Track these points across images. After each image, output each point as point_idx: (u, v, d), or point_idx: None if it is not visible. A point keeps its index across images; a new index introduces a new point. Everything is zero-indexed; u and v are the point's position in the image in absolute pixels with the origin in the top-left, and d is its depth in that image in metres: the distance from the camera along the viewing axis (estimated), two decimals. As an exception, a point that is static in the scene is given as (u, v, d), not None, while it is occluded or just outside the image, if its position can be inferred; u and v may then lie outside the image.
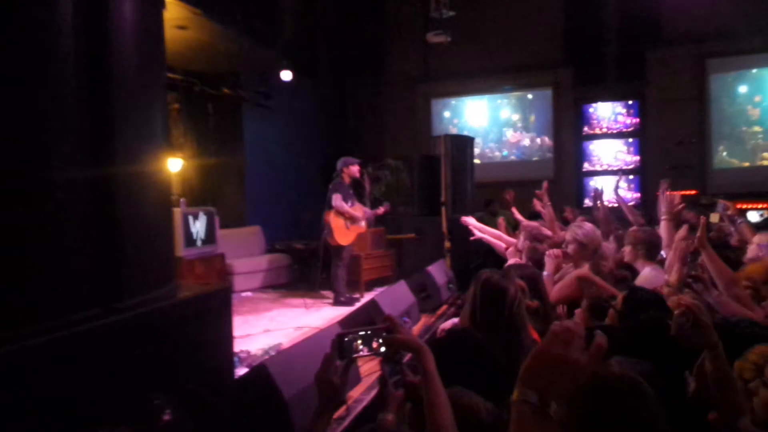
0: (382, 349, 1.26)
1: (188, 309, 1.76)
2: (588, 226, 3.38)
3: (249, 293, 6.90)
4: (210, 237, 7.01)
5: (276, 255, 7.63)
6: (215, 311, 1.88)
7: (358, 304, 5.93)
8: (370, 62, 10.48)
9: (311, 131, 9.48)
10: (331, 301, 6.08)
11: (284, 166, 8.64)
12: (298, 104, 9.24)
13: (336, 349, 1.26)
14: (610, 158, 10.12)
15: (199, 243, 6.73)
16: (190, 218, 6.90)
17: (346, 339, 1.25)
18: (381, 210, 6.25)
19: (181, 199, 7.57)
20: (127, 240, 1.71)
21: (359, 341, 1.26)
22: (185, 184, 8.37)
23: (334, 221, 5.89)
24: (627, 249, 3.40)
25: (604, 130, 10.10)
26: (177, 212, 6.79)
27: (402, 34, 10.35)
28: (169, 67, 7.34)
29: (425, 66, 10.55)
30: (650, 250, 3.29)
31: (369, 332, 1.27)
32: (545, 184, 4.51)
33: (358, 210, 6.14)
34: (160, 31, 1.98)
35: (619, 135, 10.06)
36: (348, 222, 6.02)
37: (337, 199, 5.88)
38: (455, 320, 3.86)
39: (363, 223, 6.13)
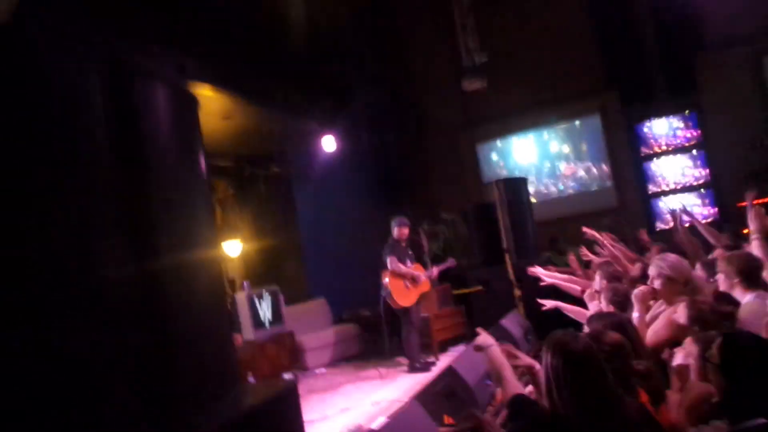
0: None
1: (258, 418, 1.65)
2: (672, 257, 3.07)
3: (323, 369, 6.77)
4: (277, 316, 7.01)
5: (344, 326, 7.52)
6: (285, 412, 1.77)
7: (434, 369, 5.69)
8: (411, 119, 10.56)
9: (361, 196, 9.52)
10: (405, 368, 5.85)
11: (339, 234, 8.66)
12: (346, 171, 9.34)
13: None
14: (676, 176, 9.59)
15: (267, 324, 6.74)
16: (256, 300, 6.95)
17: None
18: (445, 265, 6.08)
19: (245, 282, 7.68)
20: (182, 348, 1.63)
21: None
22: (247, 266, 8.53)
23: (392, 283, 5.76)
24: (721, 276, 3.06)
25: (664, 147, 9.63)
26: (242, 296, 6.86)
27: (438, 84, 10.43)
28: (220, 155, 7.66)
29: (465, 113, 10.53)
30: (749, 275, 2.94)
31: None
32: (587, 231, 4.12)
33: (418, 269, 6.00)
34: (195, 122, 1.97)
35: (682, 150, 9.55)
36: (407, 282, 5.87)
37: (392, 262, 5.76)
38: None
39: (423, 280, 5.96)
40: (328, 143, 7.59)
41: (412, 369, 5.70)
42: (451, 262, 5.94)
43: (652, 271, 3.15)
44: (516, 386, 2.13)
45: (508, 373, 2.19)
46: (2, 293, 1.23)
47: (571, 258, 4.72)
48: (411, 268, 5.90)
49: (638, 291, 3.15)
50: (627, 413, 1.65)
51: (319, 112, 7.50)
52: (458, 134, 10.68)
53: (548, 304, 3.96)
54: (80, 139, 1.44)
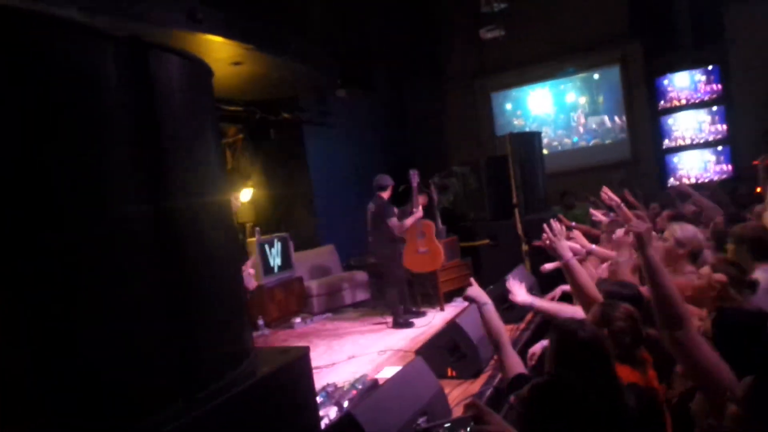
0: None
1: (271, 386, 1.73)
2: (689, 227, 3.05)
3: (330, 314, 6.97)
4: (286, 262, 7.16)
5: (352, 272, 7.67)
6: (298, 381, 1.85)
7: (443, 317, 5.83)
8: (425, 66, 10.33)
9: (373, 144, 9.48)
10: (414, 316, 5.98)
11: (349, 182, 8.68)
12: (357, 119, 9.26)
13: None
14: (693, 130, 9.41)
15: (276, 270, 6.90)
16: (266, 246, 7.08)
17: None
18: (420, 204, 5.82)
19: (256, 228, 7.79)
20: (202, 307, 1.69)
21: None
22: (257, 212, 8.60)
23: (409, 246, 5.87)
24: (730, 248, 3.06)
25: (683, 101, 9.39)
26: (253, 242, 6.99)
27: (455, 33, 10.13)
28: (230, 100, 7.57)
29: (481, 61, 10.26)
30: (760, 248, 2.94)
31: (456, 422, 1.18)
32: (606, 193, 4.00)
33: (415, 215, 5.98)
34: (208, 80, 1.97)
35: (701, 105, 9.33)
36: (419, 244, 5.95)
37: (394, 222, 5.72)
38: (545, 343, 3.67)
39: (431, 246, 6.04)
40: (340, 93, 7.47)
41: (395, 325, 5.78)
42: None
43: (666, 231, 3.15)
44: (512, 356, 2.16)
45: (505, 339, 2.22)
46: (26, 228, 1.29)
47: (576, 234, 4.48)
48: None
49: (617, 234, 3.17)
50: (627, 402, 1.67)
51: (333, 63, 7.35)
52: (473, 82, 10.46)
53: (549, 266, 4.00)
54: (98, 88, 1.46)
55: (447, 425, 1.19)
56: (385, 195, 5.83)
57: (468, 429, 1.18)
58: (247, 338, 1.92)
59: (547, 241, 2.70)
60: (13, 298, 1.28)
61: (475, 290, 2.48)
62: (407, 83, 10.23)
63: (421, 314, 5.96)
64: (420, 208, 5.89)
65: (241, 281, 2.28)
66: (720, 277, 2.31)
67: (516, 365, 2.11)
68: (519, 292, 2.90)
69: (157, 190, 1.58)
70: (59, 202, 1.35)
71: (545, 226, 2.76)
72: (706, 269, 2.43)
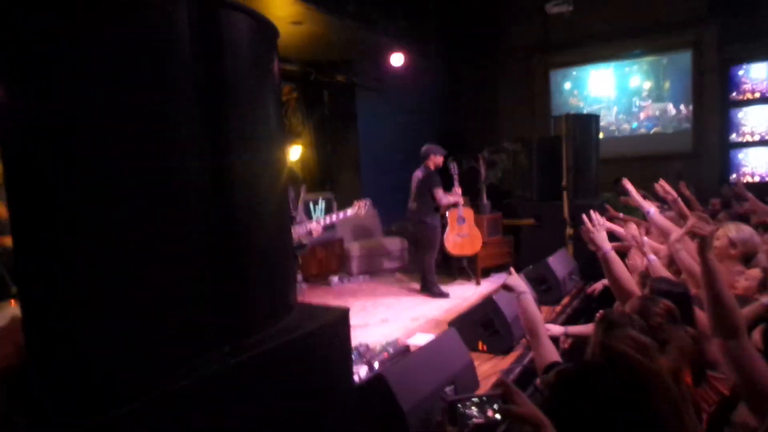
0: (498, 416, 1.20)
1: (312, 342, 1.81)
2: (748, 229, 2.92)
3: (367, 277, 7.10)
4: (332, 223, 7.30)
5: (392, 238, 7.75)
6: (336, 340, 1.93)
7: (479, 292, 5.86)
8: (485, 38, 10.08)
9: (425, 113, 9.40)
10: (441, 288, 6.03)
11: (397, 149, 8.67)
12: (410, 86, 9.16)
13: (447, 418, 1.22)
14: (764, 126, 8.90)
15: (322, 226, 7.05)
16: (311, 204, 7.22)
17: (460, 406, 1.21)
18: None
19: (303, 186, 7.93)
20: (251, 260, 1.77)
21: (474, 408, 1.21)
22: (305, 171, 8.73)
23: (450, 230, 5.90)
24: None
25: (756, 95, 8.87)
26: (300, 200, 7.15)
27: (519, 4, 9.80)
28: (286, 59, 7.63)
29: (544, 36, 9.92)
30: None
31: (483, 399, 1.22)
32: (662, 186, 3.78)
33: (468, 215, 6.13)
34: (273, 36, 2.01)
35: (777, 100, 8.79)
36: (459, 229, 5.98)
37: (440, 193, 5.74)
38: (570, 330, 3.65)
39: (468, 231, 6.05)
40: (397, 58, 7.40)
41: (428, 291, 5.85)
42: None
43: (720, 229, 3.03)
44: (547, 345, 2.13)
45: (541, 329, 2.18)
46: (86, 171, 1.37)
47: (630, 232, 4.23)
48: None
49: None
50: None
51: (392, 26, 7.26)
52: (533, 57, 10.14)
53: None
54: (170, 42, 1.52)
55: (474, 400, 1.22)
56: (432, 164, 5.83)
57: (495, 406, 1.21)
58: (292, 294, 2.00)
59: (587, 231, 2.66)
60: (70, 232, 1.36)
61: (514, 279, 2.47)
62: (465, 53, 10.02)
63: (445, 295, 5.95)
64: (460, 194, 5.95)
65: (289, 239, 2.36)
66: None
67: (551, 353, 2.11)
68: (598, 230, 2.69)
69: (217, 146, 1.64)
70: (122, 147, 1.41)
71: (584, 216, 2.72)
72: (755, 271, 2.35)
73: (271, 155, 1.91)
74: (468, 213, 6.19)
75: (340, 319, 1.92)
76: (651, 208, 3.14)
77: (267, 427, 1.63)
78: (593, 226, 2.67)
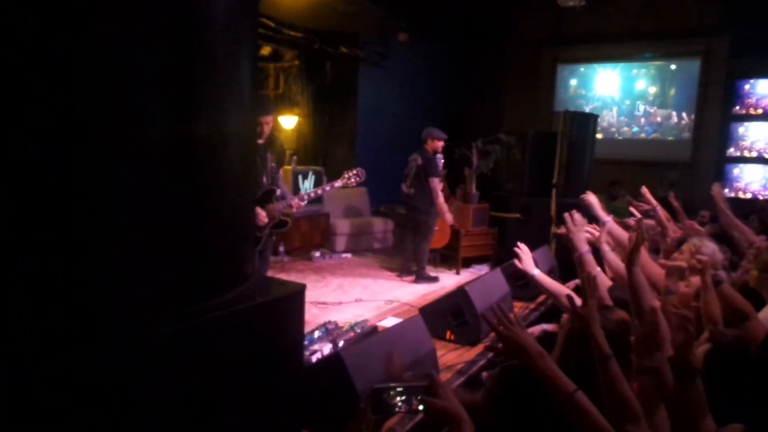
0: (421, 408, 1.19)
1: (262, 315, 1.80)
2: (710, 246, 2.92)
3: (348, 255, 7.10)
4: (317, 196, 7.26)
5: (379, 219, 7.74)
6: (288, 315, 1.91)
7: (457, 281, 5.87)
8: (495, 27, 9.93)
9: (426, 96, 9.31)
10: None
11: (395, 129, 8.61)
12: (416, 67, 9.07)
13: (371, 404, 1.21)
14: (764, 143, 8.86)
15: (305, 201, 7.02)
16: (300, 177, 7.20)
17: (384, 395, 1.20)
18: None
19: (293, 157, 7.88)
20: (206, 225, 1.74)
21: (398, 397, 1.20)
22: (299, 142, 8.67)
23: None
24: (753, 274, 2.92)
25: (759, 111, 8.82)
26: (288, 170, 7.10)
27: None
28: (291, 25, 7.51)
29: (554, 29, 9.78)
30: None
31: (409, 389, 1.21)
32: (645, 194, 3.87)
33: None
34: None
35: (780, 118, 8.74)
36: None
37: (436, 183, 5.70)
38: (546, 327, 3.67)
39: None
40: (403, 36, 7.30)
41: (420, 278, 5.85)
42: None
43: (686, 244, 3.03)
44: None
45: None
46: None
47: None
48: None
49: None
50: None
51: (401, 5, 7.15)
52: (541, 51, 10.02)
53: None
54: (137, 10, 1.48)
55: (399, 389, 1.21)
56: (431, 148, 5.78)
57: (418, 398, 1.20)
58: (248, 264, 1.98)
59: (566, 231, 2.67)
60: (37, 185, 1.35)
61: (526, 261, 2.80)
62: (472, 39, 9.89)
63: (435, 279, 5.97)
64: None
65: (250, 209, 2.33)
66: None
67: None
68: (526, 259, 2.88)
69: (182, 109, 1.61)
70: (82, 103, 1.39)
71: (566, 215, 2.72)
72: (696, 279, 2.36)
73: (239, 124, 1.87)
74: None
75: (294, 294, 1.91)
76: (608, 218, 3.19)
77: (205, 398, 1.63)
78: (574, 225, 2.69)
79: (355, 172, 4.21)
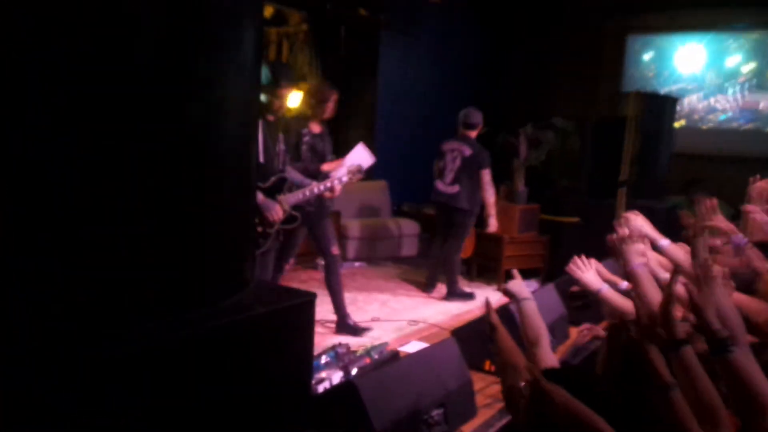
0: None
1: (263, 327, 1.81)
2: None
3: (363, 264, 7.11)
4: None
5: (403, 220, 7.72)
6: (295, 330, 1.92)
7: (499, 299, 5.83)
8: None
9: (463, 71, 9.29)
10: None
11: (425, 112, 8.59)
12: (449, 36, 9.05)
13: None
14: None
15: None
16: (306, 167, 7.23)
17: None
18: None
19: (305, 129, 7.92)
20: (200, 221, 1.76)
21: None
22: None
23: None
24: None
25: None
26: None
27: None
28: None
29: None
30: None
31: None
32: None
33: None
34: None
35: None
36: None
37: (489, 176, 5.78)
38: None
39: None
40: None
41: (452, 294, 5.87)
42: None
43: None
44: (548, 353, 2.22)
45: (545, 338, 2.27)
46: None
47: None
48: None
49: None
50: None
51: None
52: (605, 20, 9.92)
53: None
54: None
55: None
56: (473, 135, 5.83)
57: None
58: (248, 268, 1.99)
59: (574, 273, 2.83)
60: None
61: (516, 284, 2.59)
62: (520, 6, 9.85)
63: (470, 296, 5.97)
64: None
65: (251, 202, 2.34)
66: None
67: (550, 360, 2.18)
68: (589, 271, 2.88)
69: (174, 79, 1.64)
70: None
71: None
72: None
73: (239, 99, 1.89)
74: None
75: (303, 305, 1.91)
76: (664, 240, 3.17)
77: (191, 417, 1.64)
78: (580, 269, 2.87)
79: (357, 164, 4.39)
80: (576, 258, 2.94)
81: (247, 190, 2.02)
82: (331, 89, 4.78)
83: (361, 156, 4.73)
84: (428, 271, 6.22)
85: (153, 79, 1.60)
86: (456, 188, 5.81)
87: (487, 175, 5.74)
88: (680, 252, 3.21)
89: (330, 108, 4.74)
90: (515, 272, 2.67)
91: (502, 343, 2.23)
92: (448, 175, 5.85)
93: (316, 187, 4.09)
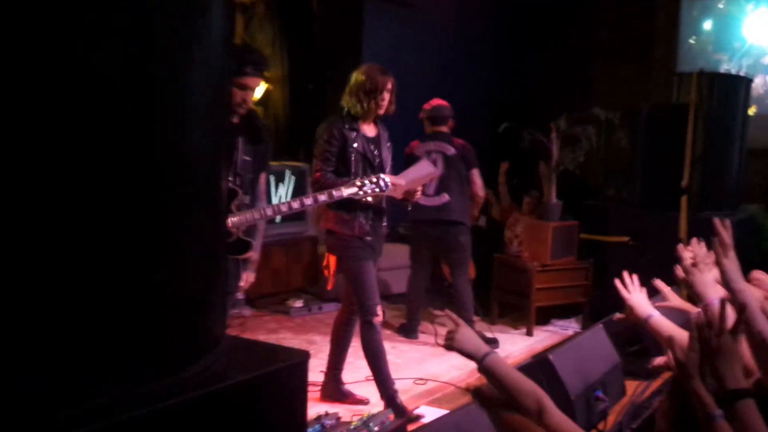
0: None
1: (242, 401, 1.80)
2: None
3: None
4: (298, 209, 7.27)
5: (400, 246, 7.68)
6: (283, 402, 1.92)
7: (530, 347, 5.84)
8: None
9: (471, 52, 9.36)
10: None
11: (419, 99, 8.60)
12: (457, 4, 9.13)
13: None
14: None
15: (278, 219, 6.98)
16: (272, 179, 7.20)
17: None
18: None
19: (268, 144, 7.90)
20: (154, 253, 1.75)
21: None
22: (269, 121, 8.71)
23: None
24: None
25: None
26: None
27: None
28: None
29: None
30: None
31: None
32: None
33: None
34: None
35: None
36: None
37: (479, 177, 5.99)
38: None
39: None
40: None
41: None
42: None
43: None
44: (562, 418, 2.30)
45: (548, 399, 2.36)
46: None
47: None
48: None
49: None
50: None
51: None
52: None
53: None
54: None
55: None
56: (447, 130, 6.12)
57: None
58: (217, 320, 1.98)
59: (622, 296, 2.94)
60: None
61: (466, 337, 2.49)
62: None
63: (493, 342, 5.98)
64: None
65: (222, 229, 2.32)
66: None
67: (567, 424, 2.28)
68: (634, 290, 2.98)
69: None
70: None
71: (617, 280, 2.97)
72: None
73: (207, 91, 1.90)
74: None
75: (292, 369, 1.90)
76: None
77: None
78: (627, 291, 2.97)
79: (375, 179, 4.09)
80: (625, 273, 3.03)
81: (214, 215, 2.01)
82: (385, 74, 4.39)
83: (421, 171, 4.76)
84: (407, 309, 6.32)
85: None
86: (444, 198, 5.91)
87: (478, 176, 5.91)
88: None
89: (386, 100, 4.40)
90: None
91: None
92: (430, 184, 5.83)
93: (272, 208, 3.94)
